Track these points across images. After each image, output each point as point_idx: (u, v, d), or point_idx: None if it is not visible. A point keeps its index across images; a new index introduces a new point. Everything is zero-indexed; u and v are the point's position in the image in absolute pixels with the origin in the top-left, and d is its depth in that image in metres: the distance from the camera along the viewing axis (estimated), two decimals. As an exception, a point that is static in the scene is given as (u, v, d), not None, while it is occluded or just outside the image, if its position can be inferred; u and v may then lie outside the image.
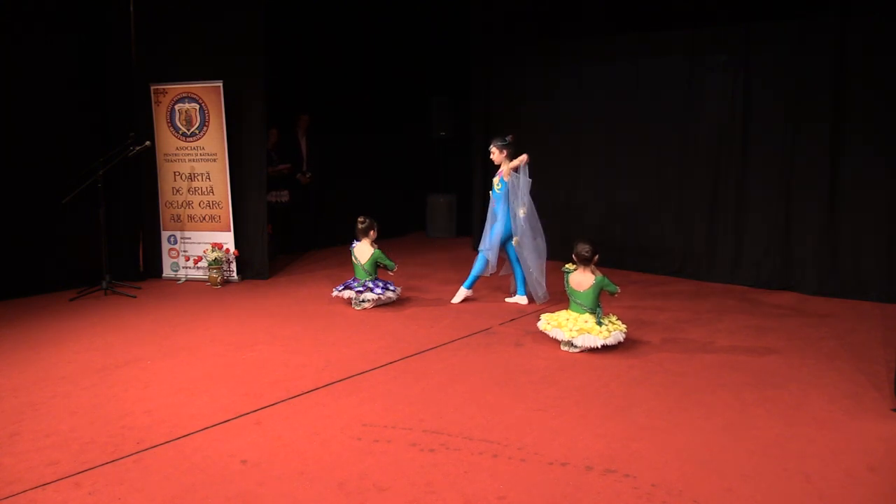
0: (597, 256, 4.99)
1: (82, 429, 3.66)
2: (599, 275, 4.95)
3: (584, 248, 4.94)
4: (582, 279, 4.96)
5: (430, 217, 10.28)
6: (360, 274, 6.12)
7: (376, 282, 6.06)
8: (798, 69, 6.51)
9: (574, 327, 4.83)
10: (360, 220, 6.15)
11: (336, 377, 4.40)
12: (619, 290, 5.04)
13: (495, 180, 6.17)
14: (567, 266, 5.11)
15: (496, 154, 6.13)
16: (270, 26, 7.42)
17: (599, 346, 4.80)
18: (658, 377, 4.40)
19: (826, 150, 6.41)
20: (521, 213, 5.94)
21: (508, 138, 6.17)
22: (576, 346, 4.86)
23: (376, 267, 6.12)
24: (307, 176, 8.69)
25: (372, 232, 6.12)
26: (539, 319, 5.13)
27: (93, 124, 6.90)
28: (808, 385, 4.26)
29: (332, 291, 6.24)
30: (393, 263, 6.13)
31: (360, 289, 6.00)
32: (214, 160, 7.14)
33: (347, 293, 6.06)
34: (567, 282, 5.05)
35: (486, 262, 6.12)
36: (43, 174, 6.52)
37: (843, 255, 6.45)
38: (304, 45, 8.77)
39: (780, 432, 3.60)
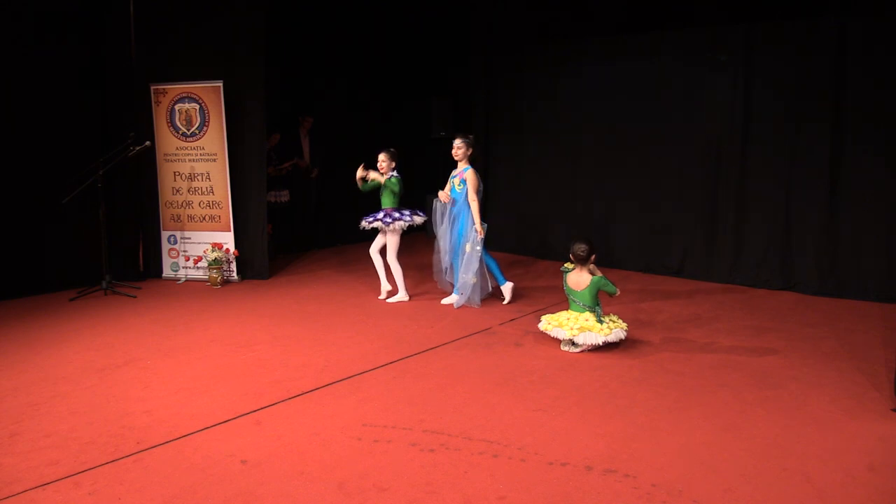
0: (594, 256, 5.00)
1: (82, 429, 3.66)
2: (599, 274, 4.95)
3: (579, 248, 4.95)
4: (579, 279, 4.97)
5: (431, 217, 10.26)
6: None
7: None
8: (798, 69, 6.51)
9: (575, 325, 4.83)
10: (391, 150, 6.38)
11: (336, 377, 4.40)
12: (618, 292, 5.03)
13: (456, 180, 6.16)
14: (566, 265, 5.12)
15: (462, 150, 6.12)
16: (271, 27, 7.42)
17: (601, 344, 4.81)
18: (658, 377, 4.40)
19: (826, 151, 6.41)
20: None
21: (471, 137, 6.22)
22: (577, 345, 4.86)
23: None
24: (314, 171, 8.71)
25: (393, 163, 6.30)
26: (540, 320, 5.13)
27: (93, 124, 6.91)
28: (808, 385, 4.26)
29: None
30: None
31: (387, 219, 6.22)
32: (214, 160, 7.14)
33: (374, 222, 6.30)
34: (565, 281, 5.06)
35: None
36: (43, 174, 6.53)
37: (843, 255, 6.45)
38: (305, 46, 8.76)
39: (780, 432, 3.60)
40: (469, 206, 6.02)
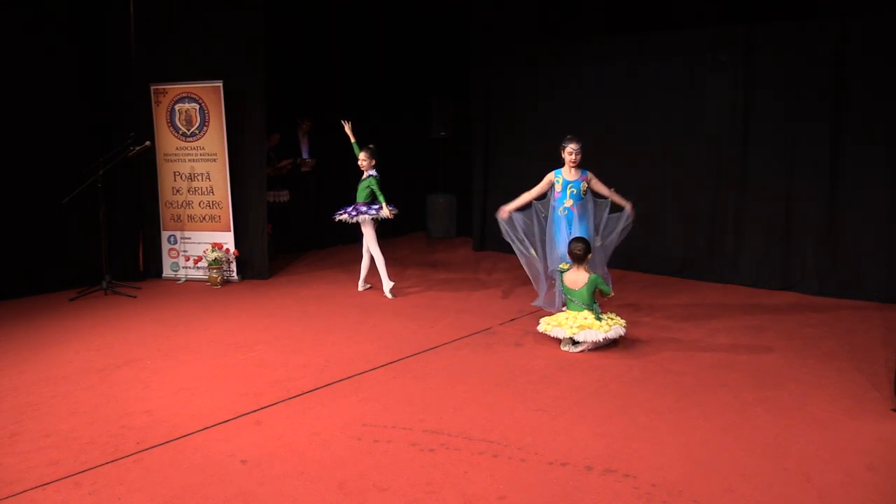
0: (590, 255, 5.02)
1: (82, 429, 3.66)
2: (594, 274, 4.97)
3: (577, 247, 4.98)
4: (576, 278, 4.98)
5: (431, 217, 10.27)
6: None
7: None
8: (798, 69, 6.51)
9: (574, 324, 4.84)
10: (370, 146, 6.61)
11: (336, 377, 4.40)
12: (612, 294, 5.06)
13: (583, 186, 5.66)
14: (561, 266, 5.15)
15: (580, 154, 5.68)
16: (271, 26, 7.41)
17: (601, 340, 4.81)
18: (658, 377, 4.40)
19: (826, 151, 6.41)
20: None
21: None
22: (577, 344, 4.86)
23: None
24: (311, 160, 8.70)
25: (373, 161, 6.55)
26: (538, 323, 5.13)
27: (93, 124, 6.90)
28: (808, 385, 4.27)
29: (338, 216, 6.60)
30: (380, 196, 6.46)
31: (353, 212, 6.49)
32: (214, 160, 7.14)
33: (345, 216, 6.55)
34: (562, 281, 5.07)
35: None
36: (43, 174, 6.52)
37: (843, 255, 6.44)
38: (305, 46, 8.75)
39: (780, 432, 3.60)
40: (588, 208, 5.66)
